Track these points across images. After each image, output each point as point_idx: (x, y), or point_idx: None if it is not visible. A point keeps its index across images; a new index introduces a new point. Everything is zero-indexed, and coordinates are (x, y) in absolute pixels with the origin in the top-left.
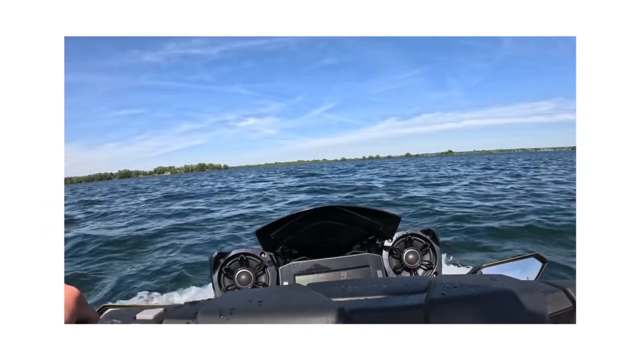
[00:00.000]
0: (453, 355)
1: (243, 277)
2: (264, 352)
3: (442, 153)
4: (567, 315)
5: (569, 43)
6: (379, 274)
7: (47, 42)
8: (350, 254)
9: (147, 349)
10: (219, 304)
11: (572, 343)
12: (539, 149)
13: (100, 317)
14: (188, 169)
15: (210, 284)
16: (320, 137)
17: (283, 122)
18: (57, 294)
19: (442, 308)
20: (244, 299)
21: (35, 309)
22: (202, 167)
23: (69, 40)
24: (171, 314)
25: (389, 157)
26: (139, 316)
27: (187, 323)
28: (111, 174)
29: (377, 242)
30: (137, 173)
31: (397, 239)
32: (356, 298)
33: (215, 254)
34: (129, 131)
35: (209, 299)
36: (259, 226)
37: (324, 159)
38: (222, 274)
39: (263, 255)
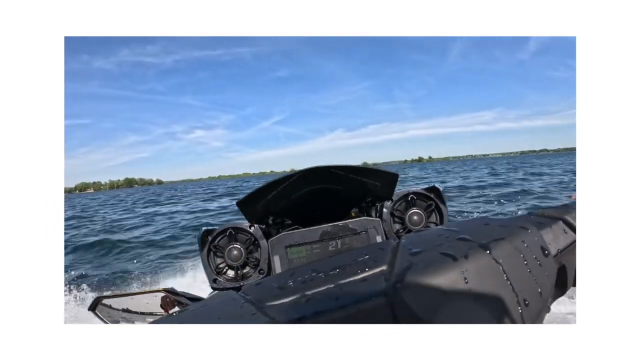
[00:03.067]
0: (452, 356)
1: (234, 252)
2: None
3: (399, 161)
4: (573, 251)
5: (511, 57)
6: (378, 239)
7: (47, 42)
8: (347, 219)
9: (148, 349)
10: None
11: (572, 343)
12: (487, 155)
13: (95, 310)
14: (113, 185)
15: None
16: (268, 149)
17: (231, 134)
18: (57, 294)
19: (412, 288)
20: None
21: (35, 309)
22: (129, 183)
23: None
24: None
25: None
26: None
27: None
28: None
29: (376, 204)
30: None
31: (398, 199)
32: (299, 295)
33: (203, 230)
34: (71, 142)
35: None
36: (240, 197)
37: (271, 171)
38: (211, 252)
39: (252, 228)
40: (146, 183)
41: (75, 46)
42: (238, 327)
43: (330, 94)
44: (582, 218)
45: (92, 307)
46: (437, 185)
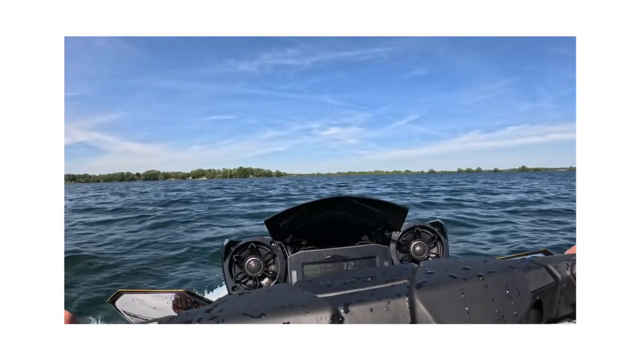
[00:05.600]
0: (452, 356)
1: (252, 264)
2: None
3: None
4: (549, 291)
5: None
6: (386, 264)
7: (47, 42)
8: (358, 244)
9: (147, 349)
10: (213, 312)
11: (572, 343)
12: None
13: (115, 303)
14: (226, 174)
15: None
16: (400, 149)
17: (366, 132)
18: (57, 294)
19: (425, 293)
20: (234, 305)
21: (35, 309)
22: (244, 173)
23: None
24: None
25: (479, 170)
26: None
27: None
28: (138, 174)
29: (385, 233)
30: (166, 175)
31: (405, 231)
32: (343, 292)
33: (227, 242)
34: (215, 135)
35: (198, 309)
36: (268, 216)
37: (406, 170)
38: (233, 262)
39: (273, 244)
40: (263, 174)
41: (221, 52)
42: (244, 327)
43: (468, 92)
44: (582, 218)
45: (112, 300)
46: (440, 220)
